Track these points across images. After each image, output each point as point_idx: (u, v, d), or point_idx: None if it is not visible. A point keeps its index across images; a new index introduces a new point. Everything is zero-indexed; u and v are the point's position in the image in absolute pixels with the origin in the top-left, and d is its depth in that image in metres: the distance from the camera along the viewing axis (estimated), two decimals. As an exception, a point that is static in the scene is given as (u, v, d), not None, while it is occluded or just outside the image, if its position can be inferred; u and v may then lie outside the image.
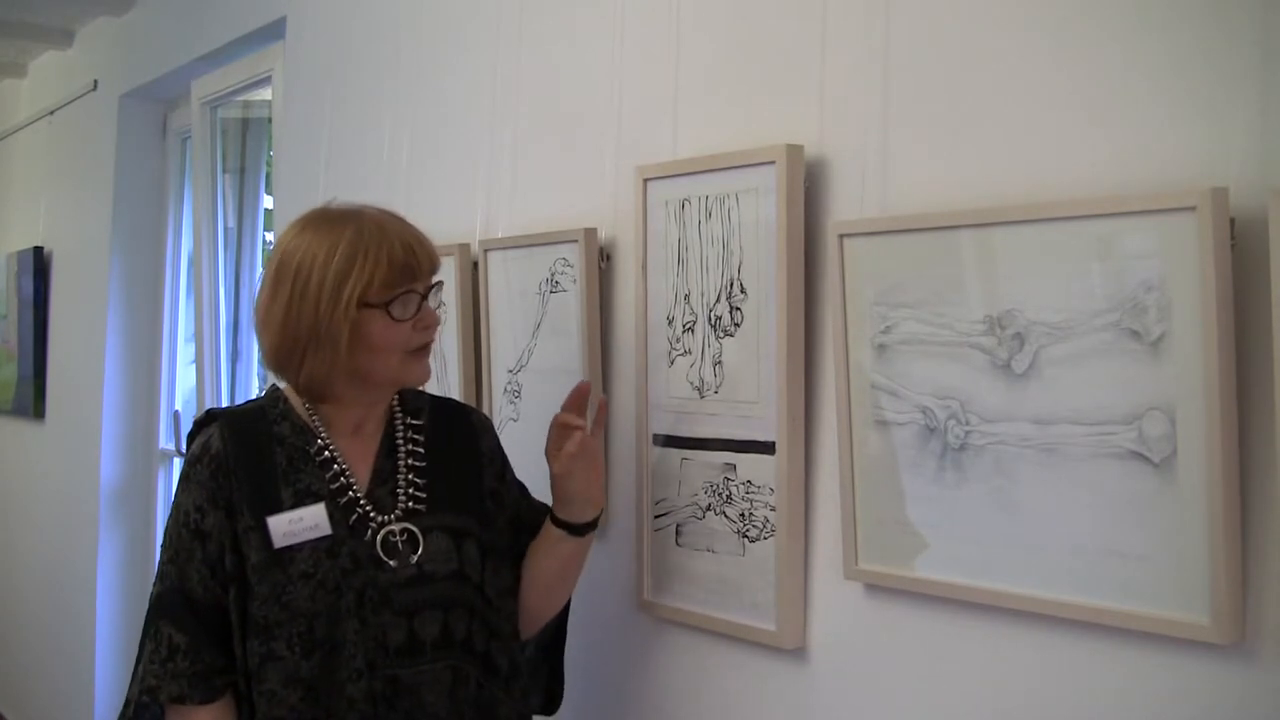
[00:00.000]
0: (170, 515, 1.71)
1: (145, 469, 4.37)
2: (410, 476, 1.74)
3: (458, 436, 1.83)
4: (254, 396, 1.83)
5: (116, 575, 4.33)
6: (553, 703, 1.95)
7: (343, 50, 2.94)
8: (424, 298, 1.70)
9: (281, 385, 1.80)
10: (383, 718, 1.63)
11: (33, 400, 4.96)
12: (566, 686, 1.95)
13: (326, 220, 1.69)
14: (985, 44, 1.52)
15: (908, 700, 1.60)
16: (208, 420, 1.76)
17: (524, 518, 1.87)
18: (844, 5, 1.70)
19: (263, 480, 1.67)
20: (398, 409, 1.80)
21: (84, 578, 4.36)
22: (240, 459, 1.68)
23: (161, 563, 1.69)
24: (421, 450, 1.77)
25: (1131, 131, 1.36)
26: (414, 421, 1.80)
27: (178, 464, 4.23)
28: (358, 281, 1.63)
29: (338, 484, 1.70)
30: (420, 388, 1.84)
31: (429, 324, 1.71)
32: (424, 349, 1.73)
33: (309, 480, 1.69)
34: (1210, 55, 1.30)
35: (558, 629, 1.92)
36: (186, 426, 4.10)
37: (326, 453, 1.71)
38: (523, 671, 1.81)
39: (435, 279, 1.73)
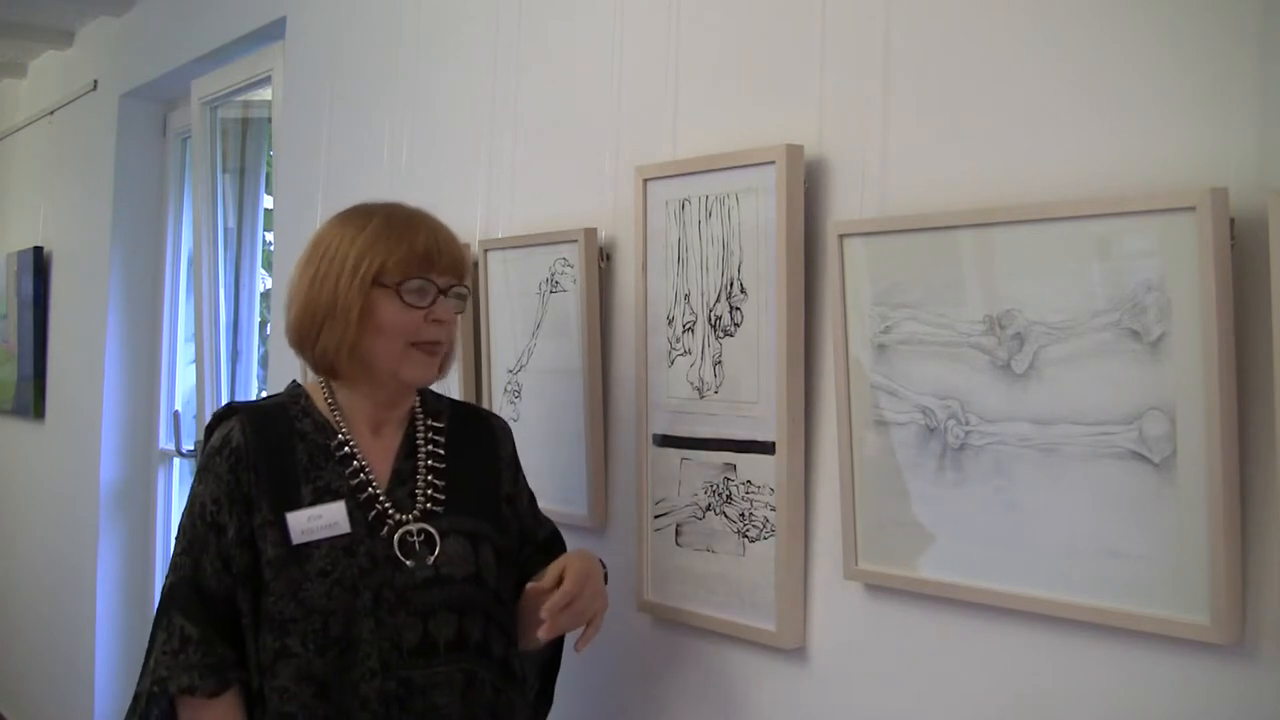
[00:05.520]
0: (186, 506, 1.72)
1: (145, 469, 4.37)
2: (430, 478, 1.75)
3: (478, 441, 1.83)
4: (275, 393, 1.84)
5: (116, 575, 4.33)
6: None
7: (343, 50, 2.94)
8: (443, 293, 1.71)
9: (303, 381, 1.82)
10: (395, 719, 1.63)
11: (33, 400, 4.96)
12: (567, 687, 1.95)
13: (364, 209, 1.76)
14: (985, 44, 1.52)
15: (908, 700, 1.60)
16: (229, 413, 1.76)
17: (528, 529, 1.87)
18: (843, 5, 1.70)
19: (283, 476, 1.68)
20: (419, 411, 1.80)
21: (84, 578, 4.36)
22: (261, 453, 1.69)
23: (175, 554, 1.70)
24: (441, 453, 1.77)
25: (1131, 131, 1.36)
26: (435, 424, 1.80)
27: (178, 464, 4.24)
28: (375, 259, 1.67)
29: (357, 480, 1.70)
30: (423, 388, 1.84)
31: (440, 319, 1.71)
32: (431, 346, 1.72)
33: (329, 478, 1.70)
34: (1210, 55, 1.30)
35: (555, 653, 1.91)
36: (186, 426, 4.13)
37: (347, 448, 1.72)
38: (530, 677, 1.82)
39: (458, 280, 1.74)
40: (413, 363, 1.71)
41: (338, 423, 1.74)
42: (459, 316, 1.77)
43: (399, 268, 1.68)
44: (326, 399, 1.76)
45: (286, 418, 1.74)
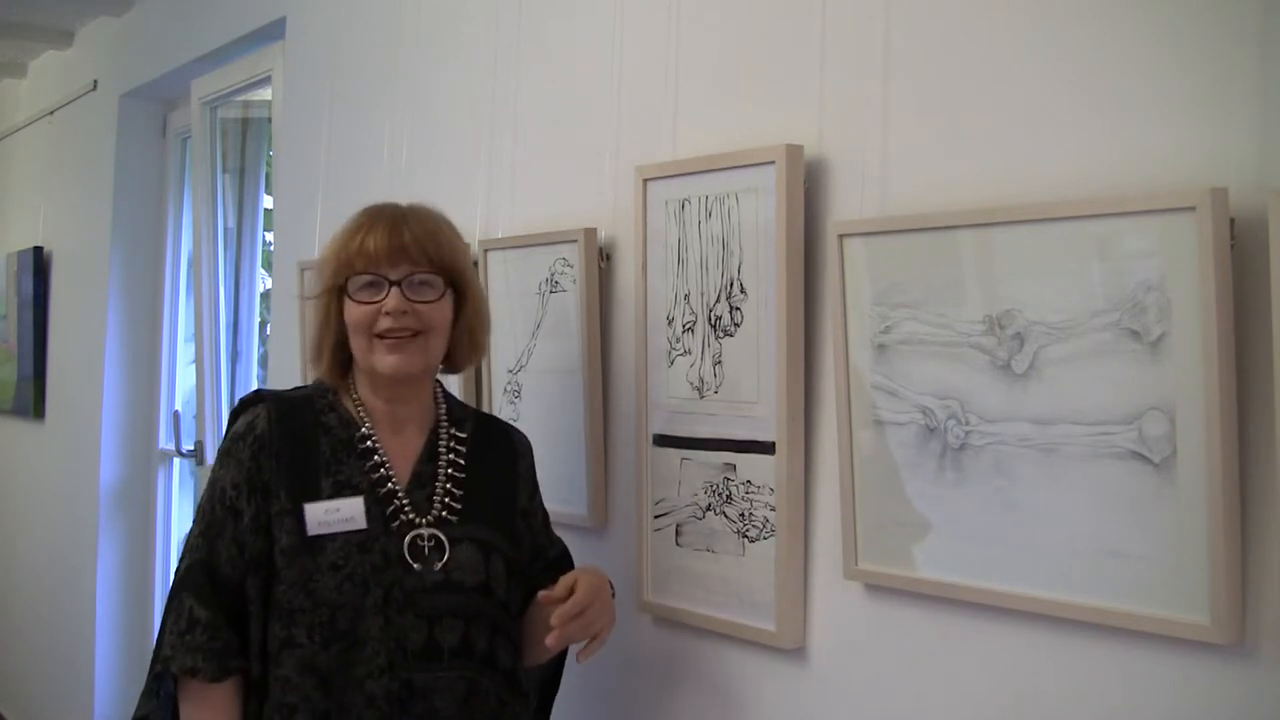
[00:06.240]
0: (206, 489, 1.74)
1: (145, 469, 4.37)
2: (448, 486, 1.75)
3: (498, 454, 1.84)
4: (302, 385, 1.86)
5: (116, 575, 4.33)
6: None
7: (343, 50, 2.94)
8: (396, 284, 1.70)
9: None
10: (395, 719, 1.63)
11: (33, 400, 4.96)
12: (566, 687, 1.95)
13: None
14: (985, 44, 1.52)
15: (907, 700, 1.60)
16: (255, 399, 1.78)
17: (540, 545, 1.87)
18: (843, 5, 1.70)
19: (304, 466, 1.69)
20: (444, 419, 1.81)
21: (84, 578, 4.36)
22: (284, 442, 1.70)
23: (192, 535, 1.71)
24: (462, 462, 1.78)
25: (1131, 131, 1.36)
26: (458, 434, 1.81)
27: (178, 464, 4.24)
28: (328, 264, 1.75)
29: (377, 475, 1.71)
30: (451, 397, 1.86)
31: (389, 309, 1.69)
32: (393, 338, 1.70)
33: (350, 473, 1.71)
34: (1210, 55, 1.30)
35: (555, 673, 1.91)
36: (186, 426, 4.13)
37: (369, 442, 1.73)
38: (530, 694, 1.83)
39: (416, 269, 1.71)
40: (378, 355, 1.72)
41: (362, 418, 1.75)
42: (435, 304, 1.72)
43: (345, 267, 1.72)
44: (353, 395, 1.77)
45: (312, 409, 1.76)
